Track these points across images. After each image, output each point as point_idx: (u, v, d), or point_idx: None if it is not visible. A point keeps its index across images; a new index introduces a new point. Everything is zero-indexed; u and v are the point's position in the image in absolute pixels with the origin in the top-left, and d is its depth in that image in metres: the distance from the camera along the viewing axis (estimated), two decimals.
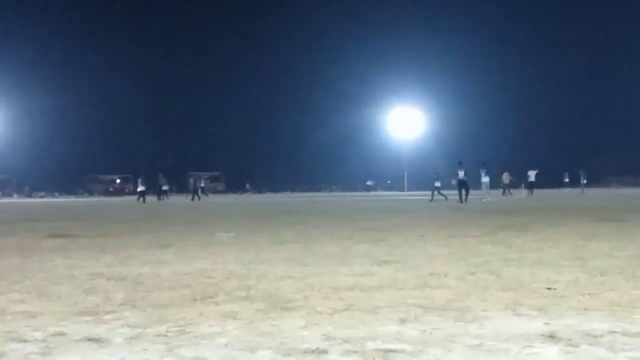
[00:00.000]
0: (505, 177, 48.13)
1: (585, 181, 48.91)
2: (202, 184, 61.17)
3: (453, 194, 32.90)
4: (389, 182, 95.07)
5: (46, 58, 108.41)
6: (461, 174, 29.86)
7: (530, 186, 46.47)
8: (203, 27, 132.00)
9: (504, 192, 47.49)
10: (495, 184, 44.60)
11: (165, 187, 45.97)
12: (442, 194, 33.86)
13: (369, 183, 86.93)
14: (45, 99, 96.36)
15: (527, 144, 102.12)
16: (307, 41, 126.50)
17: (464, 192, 29.27)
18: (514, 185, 49.65)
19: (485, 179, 35.68)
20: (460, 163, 30.99)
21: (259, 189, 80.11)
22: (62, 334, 3.87)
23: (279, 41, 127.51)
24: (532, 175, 47.04)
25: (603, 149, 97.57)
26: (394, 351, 3.35)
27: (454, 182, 32.95)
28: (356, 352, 3.35)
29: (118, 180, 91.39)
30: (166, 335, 3.78)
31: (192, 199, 45.93)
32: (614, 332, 3.68)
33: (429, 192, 35.15)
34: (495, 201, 32.61)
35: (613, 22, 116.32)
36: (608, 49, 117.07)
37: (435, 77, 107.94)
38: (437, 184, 34.15)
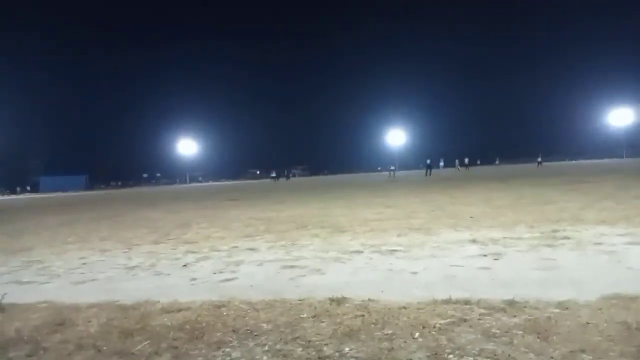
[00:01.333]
0: (457, 162, 42.43)
1: (539, 159, 38.41)
2: (294, 172, 61.34)
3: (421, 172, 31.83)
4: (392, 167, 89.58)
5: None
6: (428, 161, 28.85)
7: (462, 164, 38.19)
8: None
9: (457, 169, 41.01)
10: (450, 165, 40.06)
11: (273, 175, 45.77)
12: (429, 171, 28.90)
13: (379, 168, 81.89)
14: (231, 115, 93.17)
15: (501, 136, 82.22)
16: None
17: (429, 170, 28.32)
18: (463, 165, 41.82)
19: (441, 164, 35.07)
20: (429, 157, 29.60)
21: (325, 172, 77.74)
22: (236, 246, 4.11)
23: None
24: (464, 160, 38.63)
25: (564, 135, 72.65)
26: (395, 250, 3.45)
27: (391, 167, 31.47)
28: (377, 251, 3.46)
29: (257, 172, 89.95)
30: (285, 246, 3.97)
31: (287, 179, 46.39)
32: (505, 237, 3.66)
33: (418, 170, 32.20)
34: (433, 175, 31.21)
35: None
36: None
37: (416, 102, 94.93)
38: (428, 161, 29.34)
